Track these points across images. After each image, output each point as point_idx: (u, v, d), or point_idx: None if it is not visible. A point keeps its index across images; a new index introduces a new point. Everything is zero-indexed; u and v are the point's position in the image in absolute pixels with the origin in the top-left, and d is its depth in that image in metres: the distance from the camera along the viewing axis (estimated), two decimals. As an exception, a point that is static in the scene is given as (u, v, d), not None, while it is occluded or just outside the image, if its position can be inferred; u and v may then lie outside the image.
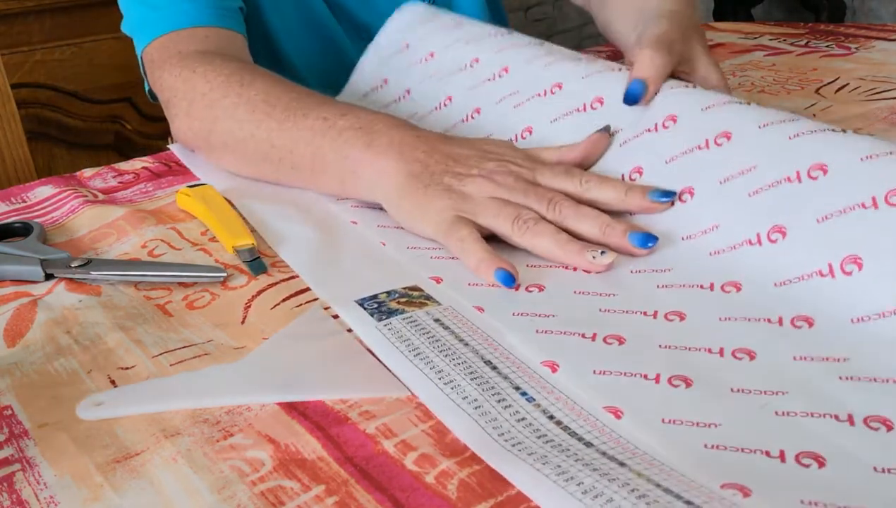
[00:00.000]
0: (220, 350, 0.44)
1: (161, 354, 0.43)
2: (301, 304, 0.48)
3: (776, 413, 0.36)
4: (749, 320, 0.42)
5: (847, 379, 0.37)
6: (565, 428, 0.36)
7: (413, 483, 0.34)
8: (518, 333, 0.42)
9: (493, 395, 0.38)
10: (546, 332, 0.42)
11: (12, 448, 0.37)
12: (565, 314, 0.44)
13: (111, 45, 1.53)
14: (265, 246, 0.55)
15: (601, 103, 0.59)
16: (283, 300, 0.48)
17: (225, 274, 0.50)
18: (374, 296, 0.46)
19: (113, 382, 0.42)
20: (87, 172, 0.70)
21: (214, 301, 0.49)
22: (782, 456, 0.33)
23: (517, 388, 0.38)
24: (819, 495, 0.31)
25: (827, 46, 0.93)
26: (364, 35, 0.87)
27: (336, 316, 0.46)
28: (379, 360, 0.42)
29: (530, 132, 0.62)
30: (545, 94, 0.63)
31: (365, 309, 0.45)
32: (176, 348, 0.44)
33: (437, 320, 0.44)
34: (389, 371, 0.41)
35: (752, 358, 0.39)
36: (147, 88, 0.76)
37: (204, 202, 0.58)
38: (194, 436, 0.37)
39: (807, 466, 0.33)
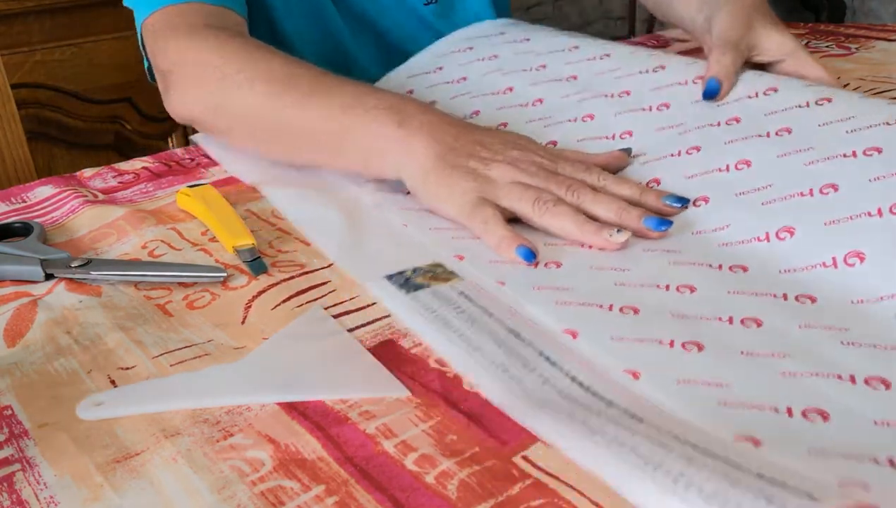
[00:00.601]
0: (220, 350, 0.44)
1: (161, 355, 0.43)
2: (302, 305, 0.48)
3: (782, 373, 0.39)
4: (756, 294, 0.45)
5: (849, 344, 0.41)
6: (587, 389, 0.38)
7: (413, 484, 0.34)
8: (539, 305, 0.45)
9: (517, 360, 0.40)
10: (565, 304, 0.45)
11: (12, 447, 0.37)
12: (583, 287, 0.46)
13: (111, 45, 1.53)
14: (265, 245, 0.55)
15: (630, 135, 0.63)
16: (284, 300, 0.48)
17: (225, 274, 0.50)
18: (401, 273, 0.49)
19: (113, 382, 0.42)
20: (87, 172, 0.70)
21: (215, 301, 0.49)
22: (789, 412, 0.36)
23: (541, 354, 0.40)
24: (825, 445, 0.34)
25: (827, 46, 0.93)
26: (365, 28, 0.88)
27: (336, 316, 0.46)
28: (378, 361, 0.42)
29: (555, 144, 0.64)
30: (575, 121, 0.66)
31: (392, 283, 0.48)
32: (176, 348, 0.44)
33: (461, 293, 0.46)
34: (389, 371, 0.41)
35: (759, 325, 0.42)
36: (147, 65, 0.75)
37: (204, 202, 0.58)
38: (194, 436, 0.37)
39: (812, 421, 0.36)
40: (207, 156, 0.72)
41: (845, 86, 0.79)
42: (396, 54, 0.90)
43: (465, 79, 0.76)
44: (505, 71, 0.75)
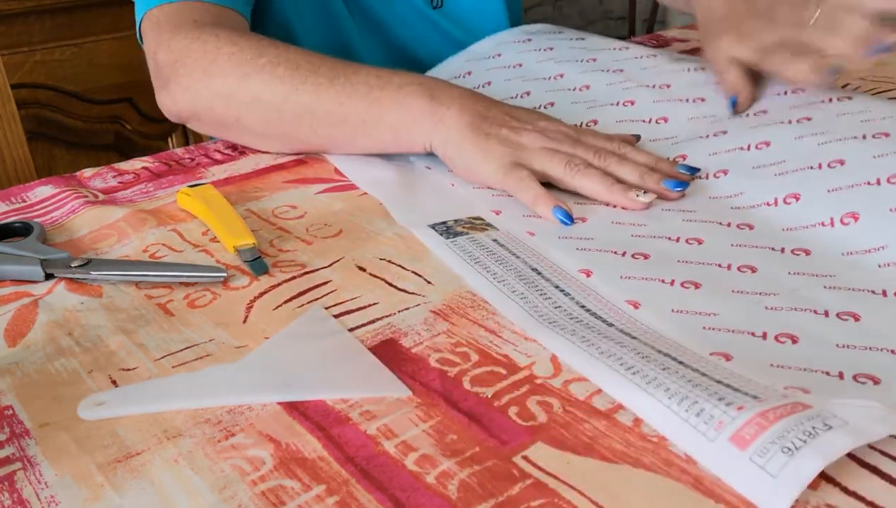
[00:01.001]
0: (221, 349, 0.44)
1: (163, 357, 0.43)
2: (303, 305, 0.48)
3: (766, 307, 0.44)
4: (756, 247, 0.51)
5: (830, 288, 0.46)
6: (592, 314, 0.44)
7: (413, 484, 0.34)
8: (561, 250, 0.51)
9: (535, 290, 0.47)
10: (585, 250, 0.51)
11: (13, 447, 0.37)
12: (603, 237, 0.53)
13: (111, 45, 1.53)
14: (266, 245, 0.55)
15: (665, 121, 0.69)
16: (286, 301, 0.48)
17: (225, 274, 0.50)
18: (444, 222, 0.55)
19: (114, 382, 0.42)
20: (87, 172, 0.70)
21: (216, 300, 0.49)
22: (764, 336, 0.42)
23: (556, 287, 0.47)
24: (787, 361, 0.39)
25: (827, 47, 0.93)
26: (374, 28, 0.88)
27: (337, 316, 0.46)
28: (379, 360, 0.42)
29: (595, 123, 0.70)
30: (617, 105, 0.72)
31: (435, 230, 0.54)
32: (178, 350, 0.44)
33: (494, 240, 0.53)
34: (390, 371, 0.41)
35: (753, 271, 0.48)
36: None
37: (204, 202, 0.58)
38: (196, 437, 0.37)
39: (782, 343, 0.41)
40: (208, 156, 0.72)
41: (845, 86, 0.79)
42: (404, 55, 0.90)
43: (520, 65, 0.82)
44: (558, 60, 0.81)
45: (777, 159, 0.59)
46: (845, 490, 0.32)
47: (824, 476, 0.33)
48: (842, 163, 0.55)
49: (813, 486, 0.32)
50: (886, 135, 0.57)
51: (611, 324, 0.43)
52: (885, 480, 0.32)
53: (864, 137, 0.57)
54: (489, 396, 0.39)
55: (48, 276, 0.52)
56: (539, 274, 0.48)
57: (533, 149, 0.59)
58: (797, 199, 0.55)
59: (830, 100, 0.65)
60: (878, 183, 0.52)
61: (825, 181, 0.55)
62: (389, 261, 0.52)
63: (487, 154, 0.59)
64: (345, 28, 0.86)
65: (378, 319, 0.46)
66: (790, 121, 0.63)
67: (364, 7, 0.87)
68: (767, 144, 0.61)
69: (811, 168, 0.56)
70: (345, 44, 0.87)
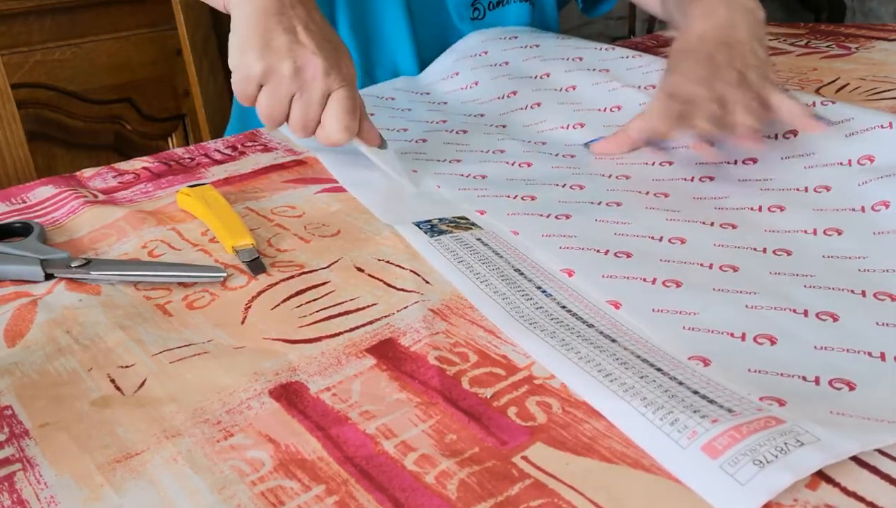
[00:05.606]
0: (220, 349, 0.44)
1: (161, 352, 0.43)
2: (301, 305, 0.48)
3: (746, 306, 0.44)
4: (739, 247, 0.51)
5: (810, 287, 0.46)
6: (574, 315, 0.44)
7: (413, 484, 0.34)
8: (545, 249, 0.51)
9: (517, 291, 0.47)
10: (568, 248, 0.51)
11: (13, 447, 0.37)
12: (586, 235, 0.53)
13: (111, 45, 1.53)
14: (264, 243, 0.55)
15: None
16: (284, 300, 0.48)
17: (224, 274, 0.50)
18: (429, 221, 0.56)
19: (113, 381, 0.42)
20: (87, 172, 0.70)
21: (214, 301, 0.49)
22: (743, 337, 0.42)
23: (539, 287, 0.47)
24: (765, 365, 0.39)
25: (827, 46, 0.93)
26: (402, 32, 0.89)
27: (336, 316, 0.46)
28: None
29: (582, 126, 0.72)
30: (604, 111, 0.74)
31: (420, 228, 0.54)
32: (176, 346, 0.44)
33: (478, 239, 0.53)
34: (388, 371, 0.41)
35: (735, 270, 0.48)
36: None
37: (204, 202, 0.58)
38: (195, 437, 0.37)
39: (761, 344, 0.41)
40: (207, 156, 0.72)
41: (845, 85, 0.79)
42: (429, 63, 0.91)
43: (506, 63, 0.83)
44: (544, 58, 0.82)
45: (763, 176, 0.60)
46: (845, 491, 0.32)
47: (824, 477, 0.33)
48: (871, 160, 0.57)
49: (812, 486, 0.32)
50: (871, 159, 0.57)
51: (591, 325, 0.43)
52: (884, 480, 0.32)
53: (850, 163, 0.58)
54: (488, 396, 0.39)
55: (48, 276, 0.52)
56: (522, 274, 0.48)
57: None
58: (781, 210, 0.55)
59: (813, 104, 0.63)
60: (863, 210, 0.53)
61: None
62: (388, 262, 0.52)
63: (245, 52, 0.57)
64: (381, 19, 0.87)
65: (377, 320, 0.46)
66: (776, 137, 0.63)
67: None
68: (754, 161, 0.61)
69: (797, 190, 0.57)
70: (377, 33, 0.87)
